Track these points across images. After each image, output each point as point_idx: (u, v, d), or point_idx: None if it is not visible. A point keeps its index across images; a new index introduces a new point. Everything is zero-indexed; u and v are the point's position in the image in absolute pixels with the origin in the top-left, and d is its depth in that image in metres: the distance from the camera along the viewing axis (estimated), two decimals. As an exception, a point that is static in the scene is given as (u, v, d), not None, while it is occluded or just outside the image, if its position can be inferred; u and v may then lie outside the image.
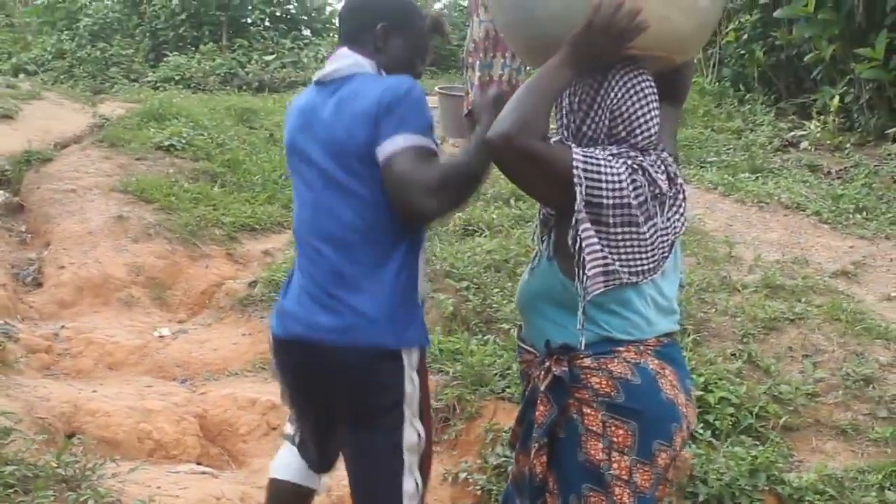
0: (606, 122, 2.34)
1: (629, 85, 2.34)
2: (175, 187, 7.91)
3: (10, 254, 6.89)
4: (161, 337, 5.84)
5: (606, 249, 2.27)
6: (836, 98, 8.97)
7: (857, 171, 7.97)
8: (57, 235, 7.05)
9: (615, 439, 2.30)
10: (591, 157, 2.24)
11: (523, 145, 2.19)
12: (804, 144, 8.87)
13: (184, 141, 9.11)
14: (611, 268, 2.27)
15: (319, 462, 2.97)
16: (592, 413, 2.32)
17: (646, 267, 2.32)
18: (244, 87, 15.16)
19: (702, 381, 4.38)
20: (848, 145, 8.63)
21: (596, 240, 2.26)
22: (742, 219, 6.73)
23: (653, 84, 2.38)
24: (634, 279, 2.31)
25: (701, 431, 4.15)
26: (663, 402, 2.33)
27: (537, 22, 2.38)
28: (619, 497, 2.30)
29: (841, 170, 8.17)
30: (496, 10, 2.68)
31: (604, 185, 2.23)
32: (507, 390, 4.47)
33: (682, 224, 2.41)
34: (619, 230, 2.27)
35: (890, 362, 4.72)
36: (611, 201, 2.24)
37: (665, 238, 2.35)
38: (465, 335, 5.03)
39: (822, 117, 9.09)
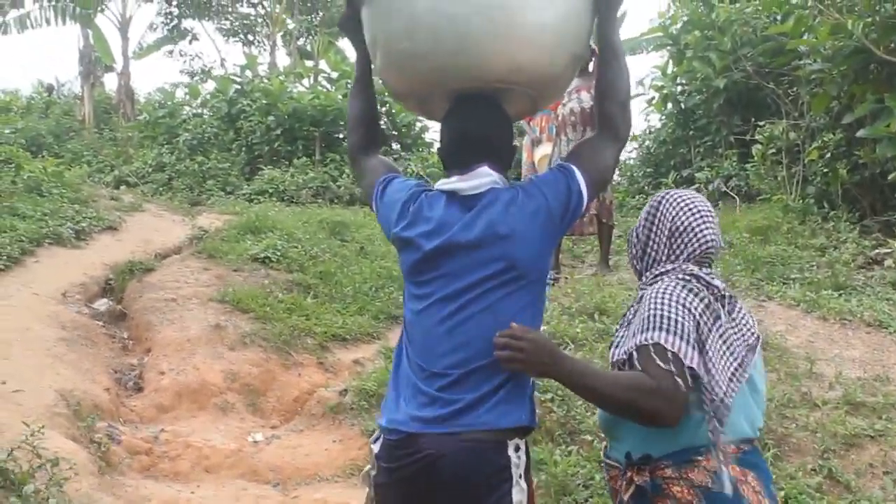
0: (665, 239, 2.51)
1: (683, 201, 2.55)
2: (270, 298, 8.19)
3: (113, 359, 7.17)
4: (255, 442, 6.01)
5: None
6: (921, 217, 8.99)
7: (942, 289, 7.92)
8: (157, 342, 7.34)
9: None
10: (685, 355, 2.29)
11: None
12: (888, 262, 8.81)
13: (278, 253, 9.47)
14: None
15: None
16: None
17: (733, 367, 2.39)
18: (335, 200, 15.52)
19: (782, 495, 4.43)
20: (933, 264, 8.59)
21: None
22: (824, 335, 6.72)
23: (705, 201, 2.56)
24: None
25: (783, 546, 4.20)
26: None
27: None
28: None
29: (926, 288, 8.12)
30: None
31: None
32: (590, 500, 4.54)
33: (753, 325, 2.51)
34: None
35: (972, 481, 4.71)
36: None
37: (737, 337, 2.45)
38: (549, 446, 5.11)
39: (906, 235, 9.09)
